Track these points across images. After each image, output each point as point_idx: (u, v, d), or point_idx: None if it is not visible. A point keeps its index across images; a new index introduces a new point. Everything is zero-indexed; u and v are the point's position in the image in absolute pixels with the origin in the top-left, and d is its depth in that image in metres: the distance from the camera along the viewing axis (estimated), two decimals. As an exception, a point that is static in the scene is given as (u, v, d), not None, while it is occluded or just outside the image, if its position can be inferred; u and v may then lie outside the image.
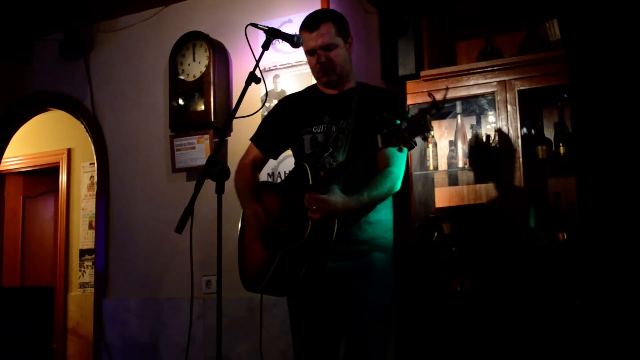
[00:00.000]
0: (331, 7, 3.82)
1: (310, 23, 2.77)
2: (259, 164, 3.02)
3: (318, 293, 2.68)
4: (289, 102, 3.01)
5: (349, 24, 2.83)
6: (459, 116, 4.22)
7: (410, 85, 4.11)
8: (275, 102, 3.87)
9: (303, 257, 2.63)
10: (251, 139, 3.02)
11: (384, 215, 2.71)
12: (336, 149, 2.67)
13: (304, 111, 2.84)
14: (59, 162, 6.11)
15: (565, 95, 3.98)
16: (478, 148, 4.15)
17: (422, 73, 4.14)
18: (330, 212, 2.47)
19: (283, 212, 2.70)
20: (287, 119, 2.90)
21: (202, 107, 3.99)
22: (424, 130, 2.19)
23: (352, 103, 2.72)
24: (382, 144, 2.30)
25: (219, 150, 2.80)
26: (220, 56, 4.03)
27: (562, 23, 3.88)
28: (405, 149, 2.67)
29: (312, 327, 2.71)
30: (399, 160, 2.65)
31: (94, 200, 4.65)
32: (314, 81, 3.75)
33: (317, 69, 2.77)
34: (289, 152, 3.78)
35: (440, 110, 2.23)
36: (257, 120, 3.86)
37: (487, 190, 4.38)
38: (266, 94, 3.79)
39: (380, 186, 2.59)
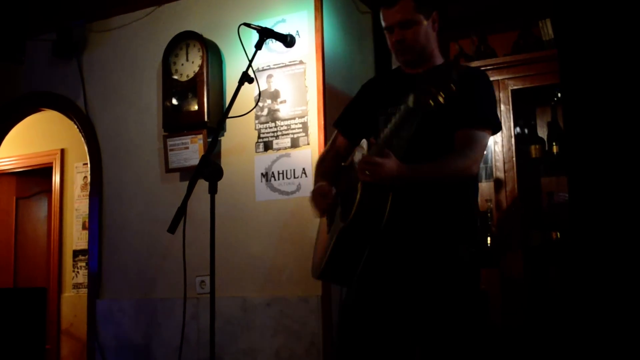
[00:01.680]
0: (324, 7, 3.83)
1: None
2: (343, 151, 2.77)
3: (381, 288, 2.44)
4: (371, 85, 2.83)
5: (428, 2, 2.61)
6: (452, 116, 4.21)
7: (404, 85, 4.11)
8: (269, 101, 3.88)
9: (360, 239, 2.36)
10: (334, 124, 2.87)
11: (456, 201, 2.45)
12: None
13: (384, 93, 2.62)
14: (52, 163, 6.08)
15: (559, 94, 3.99)
16: (471, 147, 4.15)
17: (416, 72, 4.13)
18: (383, 174, 2.24)
19: (344, 190, 2.51)
20: (368, 102, 2.71)
21: (196, 107, 3.99)
22: (448, 81, 2.04)
23: None
24: (413, 103, 2.14)
25: (212, 150, 2.80)
26: (213, 56, 4.02)
27: (555, 22, 3.89)
28: (483, 134, 2.44)
29: (368, 332, 2.44)
30: (477, 143, 2.41)
31: (88, 200, 4.64)
32: (307, 80, 3.78)
33: (394, 47, 2.56)
34: (284, 151, 3.81)
35: (469, 60, 2.09)
36: (250, 119, 3.88)
37: (480, 189, 4.38)
38: (259, 94, 3.79)
39: (449, 162, 2.37)
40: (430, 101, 2.08)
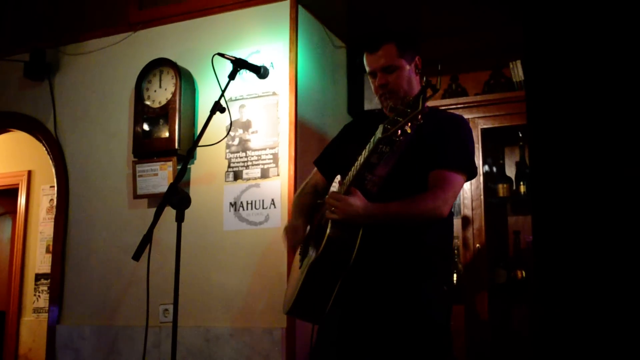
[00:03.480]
0: (299, 40, 3.85)
1: (370, 44, 2.60)
2: (321, 189, 2.77)
3: (349, 325, 2.42)
4: (352, 126, 2.86)
5: (415, 45, 2.65)
6: (422, 152, 4.26)
7: (376, 120, 4.15)
8: (240, 131, 3.88)
9: (329, 275, 2.36)
10: (314, 162, 2.88)
11: (429, 237, 2.45)
12: None
13: (364, 134, 2.51)
14: (18, 184, 6.00)
15: (520, 134, 4.05)
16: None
17: (387, 108, 4.18)
18: (350, 213, 2.30)
19: (316, 226, 2.53)
20: (348, 142, 2.71)
21: (167, 134, 3.97)
22: (414, 109, 2.07)
23: None
24: (381, 133, 2.17)
25: (181, 178, 2.79)
26: (186, 84, 4.01)
27: (525, 64, 3.96)
28: (457, 176, 2.46)
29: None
30: (449, 184, 2.43)
31: (53, 223, 4.57)
32: (279, 111, 3.79)
33: (378, 91, 2.59)
34: (253, 181, 3.80)
35: (437, 91, 2.14)
36: (221, 148, 3.87)
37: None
38: (231, 123, 3.79)
39: (418, 202, 2.38)
40: (398, 130, 2.11)
